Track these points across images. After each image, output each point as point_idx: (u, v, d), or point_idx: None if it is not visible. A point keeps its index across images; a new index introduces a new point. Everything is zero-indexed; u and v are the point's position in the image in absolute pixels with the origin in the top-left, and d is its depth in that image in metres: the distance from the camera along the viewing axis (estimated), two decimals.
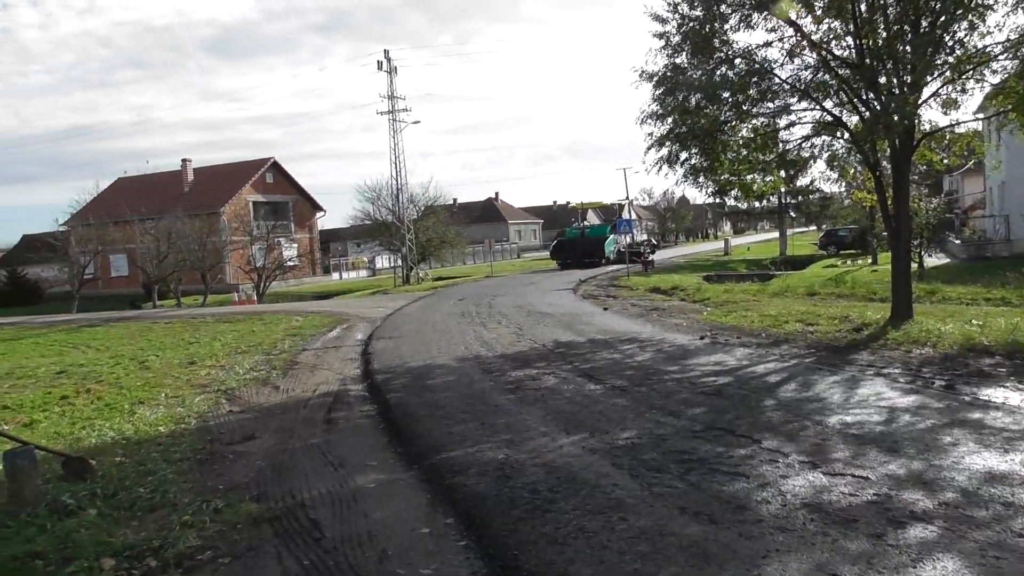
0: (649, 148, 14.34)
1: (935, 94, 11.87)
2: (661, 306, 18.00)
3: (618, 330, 13.77)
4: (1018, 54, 11.00)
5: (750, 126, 14.05)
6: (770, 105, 13.46)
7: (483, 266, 56.45)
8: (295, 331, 16.81)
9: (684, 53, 13.35)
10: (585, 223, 46.22)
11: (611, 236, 40.48)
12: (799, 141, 14.35)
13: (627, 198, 73.56)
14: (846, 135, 13.12)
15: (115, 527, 5.30)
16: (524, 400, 8.36)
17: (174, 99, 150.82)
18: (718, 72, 13.08)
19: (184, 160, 52.26)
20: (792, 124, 14.07)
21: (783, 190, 40.88)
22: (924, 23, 11.35)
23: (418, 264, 43.03)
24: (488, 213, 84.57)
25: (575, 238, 41.57)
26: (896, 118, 10.98)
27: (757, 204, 47.02)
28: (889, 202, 12.74)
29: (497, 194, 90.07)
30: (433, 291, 29.76)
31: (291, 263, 42.41)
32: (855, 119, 12.85)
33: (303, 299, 38.93)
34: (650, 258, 37.34)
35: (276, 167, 52.05)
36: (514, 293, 24.47)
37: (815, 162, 15.92)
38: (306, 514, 5.45)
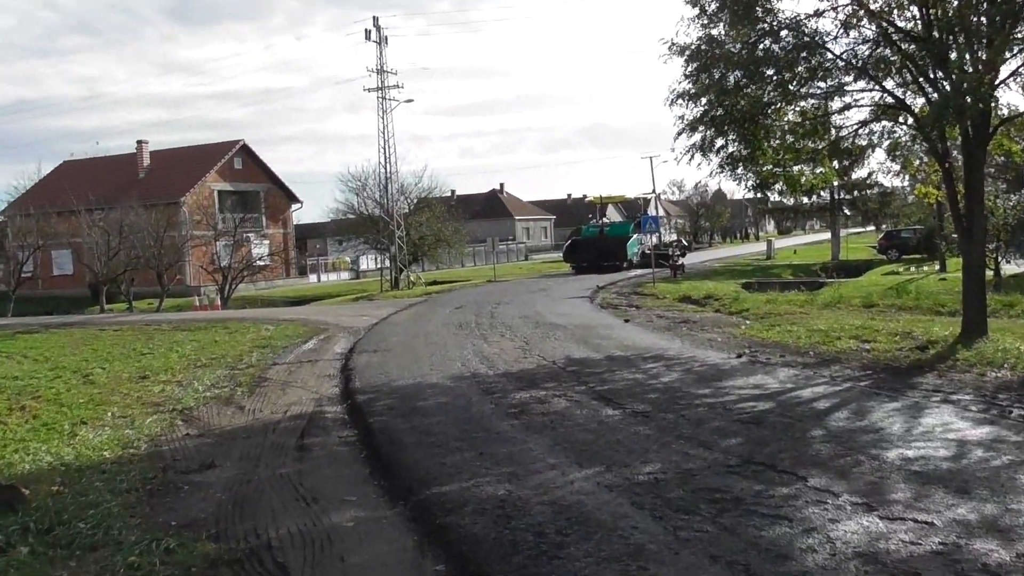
0: (680, 133, 14.36)
1: (1015, 73, 11.85)
2: (692, 318, 17.98)
3: (641, 346, 13.75)
4: None
5: (797, 109, 14.06)
6: (821, 85, 13.46)
7: (485, 269, 56.51)
8: (264, 342, 16.84)
9: (722, 23, 13.39)
10: (604, 220, 46.20)
11: (634, 236, 40.54)
12: (855, 127, 14.34)
13: (654, 191, 73.93)
14: (910, 120, 13.12)
15: (50, 568, 5.29)
16: (530, 426, 8.34)
17: (128, 71, 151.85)
18: (761, 45, 13.09)
19: (139, 142, 52.54)
20: (847, 107, 14.06)
21: (836, 184, 40.80)
22: None
23: (409, 266, 43.14)
24: (491, 207, 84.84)
25: (592, 237, 41.65)
26: (969, 100, 10.96)
27: (805, 200, 46.91)
28: (960, 199, 12.70)
29: (502, 185, 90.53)
30: (426, 297, 29.83)
31: (262, 263, 42.57)
32: (920, 101, 12.84)
33: (275, 305, 39.03)
34: (680, 262, 37.35)
35: (245, 151, 52.31)
36: (520, 301, 24.49)
37: (873, 151, 15.87)
38: (272, 557, 5.42)
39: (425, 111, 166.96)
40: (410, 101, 57.12)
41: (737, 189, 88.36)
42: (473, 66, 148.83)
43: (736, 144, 14.05)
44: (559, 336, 15.34)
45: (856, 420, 8.05)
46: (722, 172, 14.59)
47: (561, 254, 47.61)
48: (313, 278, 54.80)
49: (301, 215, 72.79)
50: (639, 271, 37.18)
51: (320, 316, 23.31)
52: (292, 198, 55.55)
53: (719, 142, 14.08)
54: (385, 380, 11.63)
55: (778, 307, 18.61)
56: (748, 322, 16.65)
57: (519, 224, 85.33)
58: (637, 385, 10.28)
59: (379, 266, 47.50)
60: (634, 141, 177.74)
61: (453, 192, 78.82)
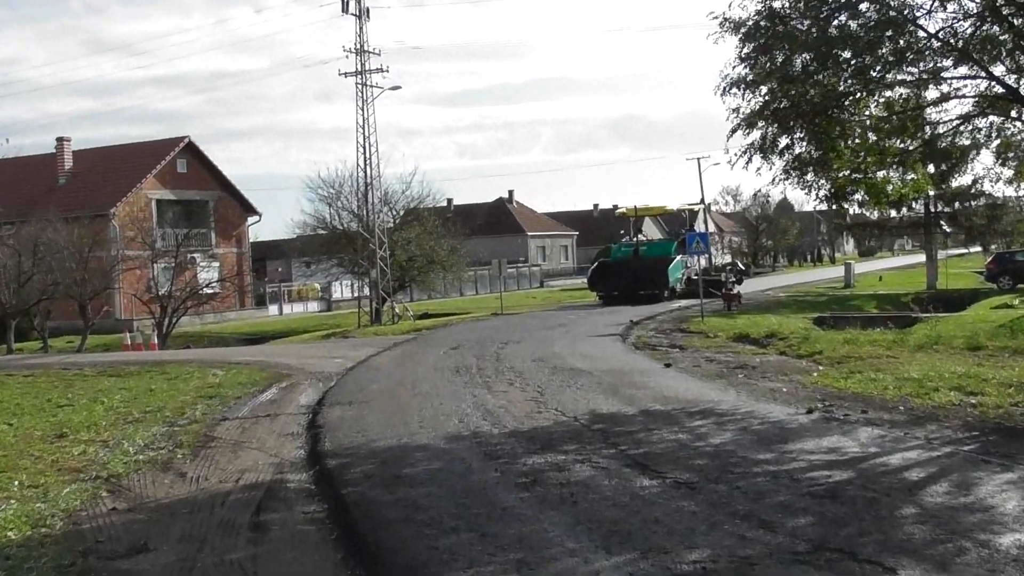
0: (734, 130, 14.45)
1: None
2: (750, 362, 17.95)
3: (686, 397, 13.73)
4: None
5: (881, 100, 14.16)
6: (912, 71, 13.56)
7: (489, 298, 56.64)
8: (212, 391, 16.88)
9: None
10: (640, 237, 46.30)
11: (678, 257, 40.65)
12: (954, 123, 14.44)
13: (702, 202, 74.26)
14: None
15: None
16: (545, 501, 8.31)
17: (48, 52, 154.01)
18: (835, 22, 13.23)
19: (60, 139, 53.18)
20: (945, 98, 14.15)
21: (931, 193, 40.92)
22: None
23: (394, 295, 43.34)
24: (498, 221, 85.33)
25: (625, 259, 41.85)
26: None
27: (893, 213, 47.04)
28: None
29: (511, 193, 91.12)
30: (416, 334, 29.92)
31: (210, 290, 42.82)
32: None
33: (226, 343, 39.20)
34: (736, 290, 37.36)
35: (191, 151, 52.84)
36: (534, 339, 24.52)
37: (978, 153, 16.00)
38: None
39: (415, 100, 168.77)
40: (396, 88, 57.37)
41: (807, 200, 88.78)
42: (475, 45, 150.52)
43: (805, 143, 14.13)
44: (582, 385, 15.32)
45: (959, 495, 7.99)
46: (787, 178, 14.67)
47: (585, 280, 47.66)
48: (274, 309, 55.04)
49: (260, 230, 73.44)
50: (683, 302, 37.19)
51: (282, 358, 23.36)
52: (249, 209, 55.97)
53: (783, 141, 14.16)
54: (363, 440, 11.62)
55: (859, 349, 18.56)
56: (821, 368, 16.58)
57: (532, 242, 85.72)
58: (680, 448, 10.24)
59: (356, 295, 47.75)
60: (677, 138, 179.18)
61: (450, 201, 79.07)
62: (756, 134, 14.19)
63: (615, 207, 79.00)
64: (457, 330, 30.63)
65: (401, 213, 47.09)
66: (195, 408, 14.92)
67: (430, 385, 16.20)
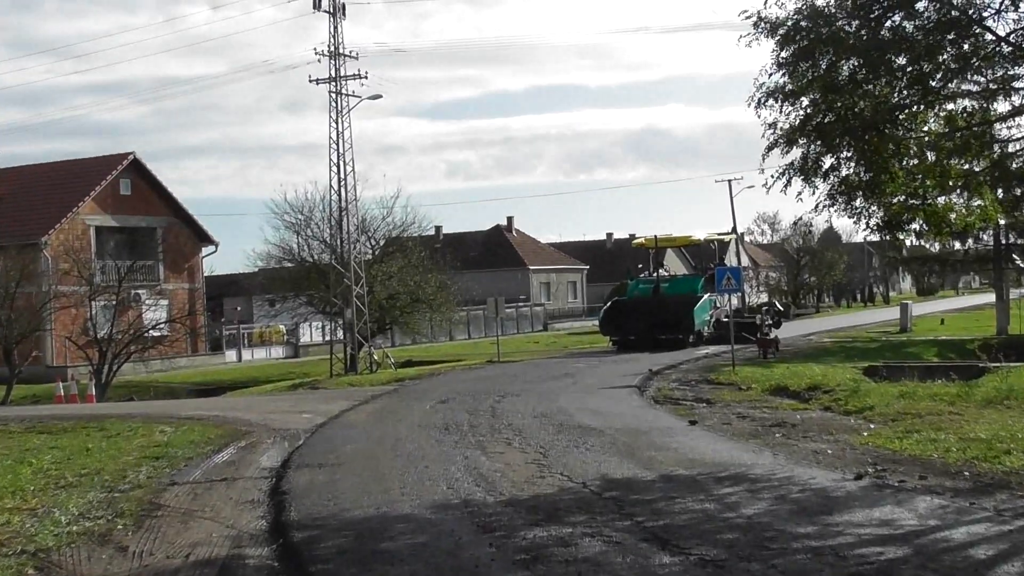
0: (771, 148, 14.55)
1: None
2: (790, 419, 17.96)
3: (714, 460, 13.74)
4: None
5: (943, 114, 14.28)
6: (978, 79, 13.72)
7: (484, 343, 56.45)
8: (159, 451, 16.84)
9: None
10: (662, 272, 46.42)
11: (705, 296, 40.78)
12: None
13: (734, 231, 74.32)
14: None
15: None
16: None
17: None
18: (888, 23, 13.38)
19: None
20: (1017, 111, 14.28)
21: (1002, 222, 41.01)
22: None
23: (373, 339, 43.36)
24: (495, 252, 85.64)
25: (644, 298, 42.05)
26: None
27: (957, 245, 47.18)
28: None
29: (510, 220, 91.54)
30: (398, 385, 29.93)
31: (157, 332, 42.80)
32: None
33: (175, 395, 39.11)
34: (773, 335, 37.44)
35: (137, 169, 53.14)
36: (536, 391, 24.51)
37: None
38: None
39: (399, 111, 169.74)
40: (377, 97, 57.05)
41: (856, 230, 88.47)
42: (468, 47, 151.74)
43: (853, 164, 14.25)
44: (592, 445, 15.32)
45: None
46: (833, 204, 14.75)
47: (597, 322, 47.73)
48: (232, 355, 55.01)
49: (216, 262, 73.51)
50: (711, 348, 37.22)
51: (241, 412, 23.31)
52: (203, 238, 56.17)
53: (828, 161, 14.28)
54: (335, 509, 11.60)
55: (917, 404, 18.57)
56: (872, 426, 16.58)
57: (535, 277, 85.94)
58: (707, 519, 10.23)
59: (328, 339, 47.74)
60: (705, 157, 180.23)
61: (438, 230, 79.29)
62: (796, 153, 14.32)
63: (632, 237, 79.12)
64: (446, 380, 30.60)
65: (381, 243, 47.29)
66: (139, 471, 14.86)
67: (414, 445, 16.16)
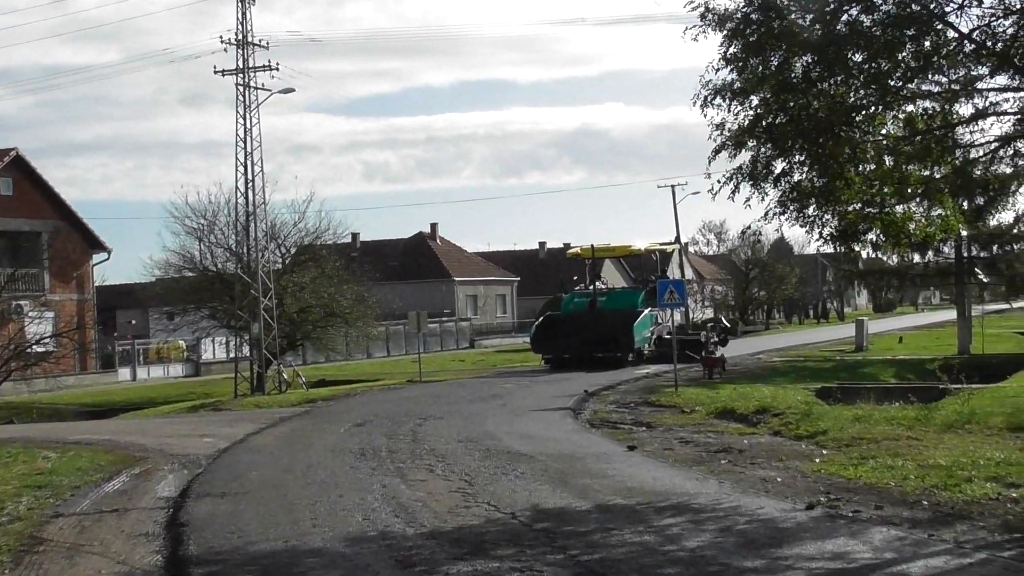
0: (718, 151, 14.64)
1: None
2: (736, 444, 18.13)
3: (654, 489, 13.81)
4: None
5: (902, 116, 14.48)
6: (939, 79, 13.91)
7: (404, 361, 56.03)
8: (42, 479, 16.55)
9: None
10: (600, 284, 46.60)
11: (646, 311, 41.03)
12: (993, 145, 14.80)
13: (677, 241, 74.92)
14: None
15: None
16: None
17: None
18: (844, 16, 13.54)
19: None
20: (980, 115, 14.52)
21: (963, 234, 41.74)
22: None
23: (282, 356, 43.01)
24: (417, 262, 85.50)
25: (579, 313, 42.25)
26: None
27: (916, 258, 47.84)
28: None
29: (434, 228, 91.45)
30: (309, 407, 29.73)
31: (41, 347, 42.00)
32: None
33: (61, 417, 38.36)
34: (719, 353, 37.70)
35: (19, 167, 52.21)
36: (461, 414, 24.49)
37: (1022, 184, 16.33)
38: None
39: (313, 107, 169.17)
40: (289, 91, 56.61)
41: (809, 240, 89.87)
42: (388, 38, 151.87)
43: (806, 169, 14.40)
44: (522, 472, 15.31)
45: None
46: (784, 212, 14.88)
47: (528, 339, 47.78)
48: (125, 374, 54.23)
49: (108, 271, 72.61)
50: (652, 367, 37.45)
51: (136, 436, 23.05)
52: (94, 244, 55.33)
53: (779, 165, 14.41)
54: (239, 543, 11.47)
55: (873, 428, 18.78)
56: (825, 452, 16.75)
57: (461, 289, 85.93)
58: (646, 553, 10.26)
59: (233, 356, 47.22)
60: (646, 160, 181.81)
61: (355, 237, 79.07)
62: (745, 156, 14.44)
63: (566, 247, 79.61)
64: (363, 402, 30.45)
65: (292, 251, 46.89)
66: (19, 501, 14.60)
67: (327, 472, 16.07)
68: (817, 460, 15.83)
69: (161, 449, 20.10)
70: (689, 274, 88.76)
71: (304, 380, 42.58)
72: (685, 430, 20.56)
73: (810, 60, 13.63)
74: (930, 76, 13.73)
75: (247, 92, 41.02)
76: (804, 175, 14.47)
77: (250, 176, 40.95)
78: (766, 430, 20.31)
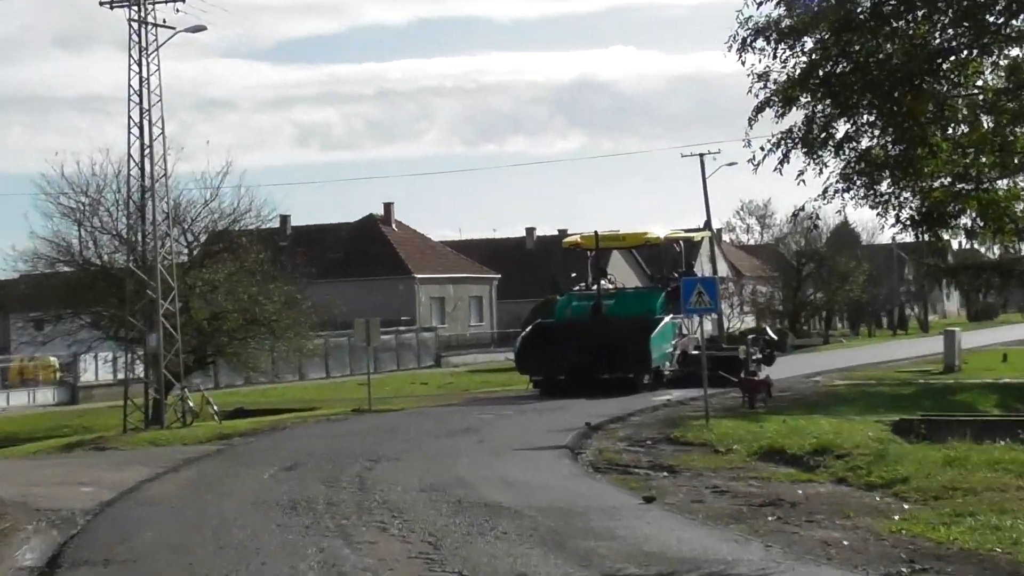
0: (760, 109, 14.63)
1: None
2: (788, 495, 18.05)
3: (679, 554, 13.76)
4: None
5: (1004, 63, 14.43)
6: None
7: (348, 384, 55.69)
8: None
9: None
10: (606, 283, 46.51)
11: (667, 319, 40.99)
12: None
13: (707, 227, 74.46)
14: None
15: None
16: None
17: None
18: None
19: None
20: None
21: None
22: None
23: (188, 377, 42.81)
24: (366, 254, 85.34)
25: (578, 321, 42.31)
26: None
27: None
28: None
29: (389, 209, 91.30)
30: (224, 445, 29.65)
31: None
32: None
33: None
34: (763, 374, 37.64)
35: None
36: (423, 455, 24.46)
37: None
38: None
39: (228, 52, 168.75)
40: (199, 30, 56.25)
41: (881, 225, 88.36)
42: None
43: (878, 133, 14.40)
44: (505, 532, 15.28)
45: None
46: (849, 189, 14.88)
47: (512, 354, 47.69)
48: None
49: None
50: (675, 393, 37.46)
51: None
52: None
53: (842, 127, 14.43)
54: None
55: (970, 476, 18.69)
56: (907, 507, 16.66)
57: (424, 289, 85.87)
58: None
59: (123, 377, 46.99)
60: (664, 122, 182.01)
61: (285, 221, 78.74)
62: (797, 116, 14.46)
63: (563, 234, 79.29)
64: (294, 437, 30.43)
65: (203, 239, 46.77)
66: None
67: (246, 532, 15.95)
68: (896, 517, 15.73)
69: (24, 502, 19.85)
70: (723, 270, 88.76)
71: (216, 409, 42.46)
72: (719, 476, 20.46)
73: None
74: None
75: (143, 30, 40.78)
76: (874, 140, 14.49)
77: (147, 141, 40.73)
78: (827, 476, 20.20)
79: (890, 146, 14.30)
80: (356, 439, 28.38)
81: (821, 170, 14.79)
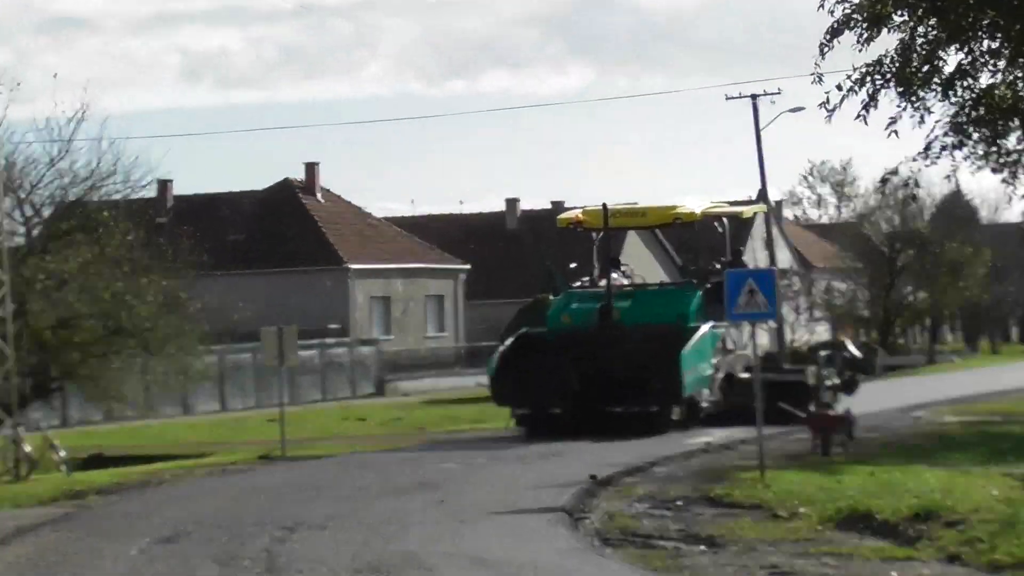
0: (835, 32, 14.62)
1: None
2: None
3: None
4: None
5: None
6: None
7: (253, 419, 55.45)
8: None
9: None
10: (619, 276, 46.48)
11: (704, 328, 41.02)
12: None
13: (763, 198, 73.88)
14: None
15: None
16: None
17: None
18: None
19: None
20: None
21: None
22: None
23: (24, 411, 42.74)
24: (281, 235, 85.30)
25: (580, 330, 42.45)
26: None
27: None
28: None
29: (313, 173, 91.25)
30: (75, 506, 29.57)
31: None
32: None
33: None
34: (841, 407, 37.69)
35: None
36: (361, 520, 24.42)
37: None
38: None
39: None
40: None
41: (1006, 196, 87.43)
42: None
43: (1002, 65, 14.44)
44: None
45: None
46: (962, 145, 14.88)
47: (488, 377, 47.70)
48: None
49: None
50: (718, 432, 37.66)
51: None
52: None
53: (952, 58, 14.45)
54: None
55: None
56: None
57: (361, 286, 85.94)
58: None
59: None
60: (700, 50, 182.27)
61: (166, 188, 78.38)
62: (889, 42, 14.47)
63: (558, 208, 79.32)
64: (176, 496, 30.40)
65: (47, 213, 46.75)
66: None
67: None
68: None
69: None
70: (785, 259, 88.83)
71: (65, 456, 42.39)
72: (780, 552, 20.45)
73: None
74: None
75: None
76: (998, 76, 14.50)
77: None
78: (932, 553, 20.19)
79: (1021, 84, 14.36)
80: (264, 499, 28.34)
81: (923, 118, 14.83)
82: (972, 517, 22.03)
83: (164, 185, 74.58)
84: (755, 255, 64.54)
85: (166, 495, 30.92)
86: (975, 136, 14.81)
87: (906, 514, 22.89)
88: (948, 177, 29.43)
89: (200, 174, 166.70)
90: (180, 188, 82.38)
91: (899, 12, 14.23)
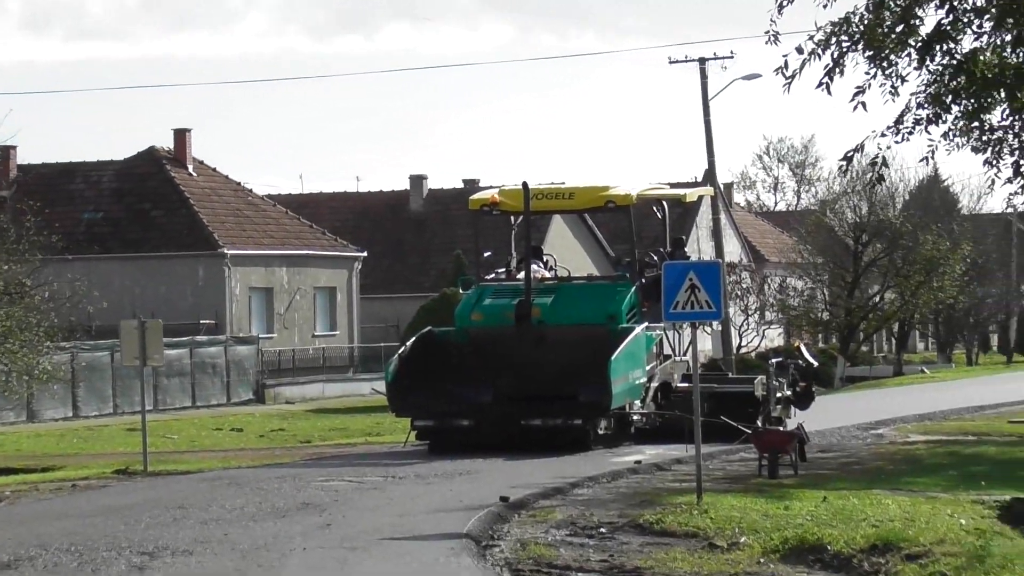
0: None
1: None
2: None
3: None
4: None
5: None
6: None
7: (110, 429, 55.38)
8: None
9: None
10: (540, 268, 46.52)
11: (638, 330, 41.12)
12: None
13: (709, 179, 74.34)
14: None
15: None
16: None
17: None
18: None
19: None
20: None
21: None
22: None
23: None
24: (143, 213, 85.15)
25: (494, 331, 42.65)
26: None
27: None
28: None
29: (184, 141, 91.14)
30: None
31: None
32: None
33: None
34: (791, 422, 37.93)
35: None
36: (234, 547, 24.41)
37: None
38: None
39: None
40: None
41: (991, 180, 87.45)
42: None
43: (988, 28, 14.53)
44: None
45: None
46: (939, 120, 14.97)
47: (385, 384, 47.73)
48: None
49: None
50: (650, 449, 37.88)
51: None
52: None
53: (930, 18, 14.55)
54: None
55: None
56: None
57: (239, 274, 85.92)
58: None
59: None
60: (639, 5, 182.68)
61: (7, 157, 78.22)
62: None
63: (471, 188, 79.42)
64: (18, 517, 30.39)
65: None
66: None
67: None
68: None
69: None
70: (734, 251, 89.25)
71: None
72: None
73: None
74: None
75: None
76: (983, 40, 14.59)
77: None
78: None
79: (1009, 50, 14.47)
80: (121, 520, 28.23)
81: (895, 88, 14.90)
82: (936, 550, 22.27)
83: (5, 152, 74.34)
84: (699, 246, 65.18)
85: (5, 515, 30.80)
86: (955, 109, 14.85)
87: (862, 545, 23.12)
88: (924, 159, 29.78)
89: (49, 140, 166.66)
90: (25, 157, 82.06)
91: None
